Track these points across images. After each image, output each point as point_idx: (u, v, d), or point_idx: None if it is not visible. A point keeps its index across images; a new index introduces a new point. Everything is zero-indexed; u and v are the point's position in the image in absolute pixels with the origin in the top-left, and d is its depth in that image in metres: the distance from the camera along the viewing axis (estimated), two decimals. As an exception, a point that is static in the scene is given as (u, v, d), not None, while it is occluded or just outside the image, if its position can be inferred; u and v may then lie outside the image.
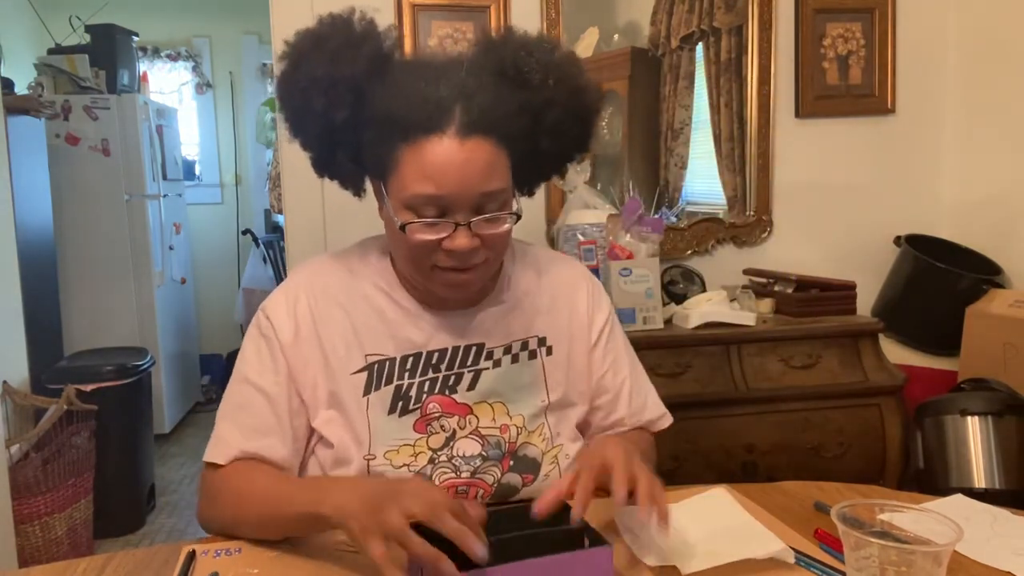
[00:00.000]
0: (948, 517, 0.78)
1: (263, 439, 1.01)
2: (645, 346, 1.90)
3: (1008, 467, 1.77)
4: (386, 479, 0.95)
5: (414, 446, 1.02)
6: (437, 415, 1.03)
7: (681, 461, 1.88)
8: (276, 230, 4.71)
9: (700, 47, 2.31)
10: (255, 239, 4.56)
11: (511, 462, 1.04)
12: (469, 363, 1.05)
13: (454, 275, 0.97)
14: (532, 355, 1.08)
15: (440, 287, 1.00)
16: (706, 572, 0.86)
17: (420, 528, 0.86)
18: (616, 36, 2.29)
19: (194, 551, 0.94)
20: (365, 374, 1.03)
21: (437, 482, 1.00)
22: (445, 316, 1.05)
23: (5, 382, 2.49)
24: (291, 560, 0.93)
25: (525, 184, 1.08)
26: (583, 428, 1.14)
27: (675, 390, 1.89)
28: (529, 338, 1.08)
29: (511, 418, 1.05)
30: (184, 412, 4.27)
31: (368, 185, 1.07)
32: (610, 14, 2.30)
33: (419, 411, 1.02)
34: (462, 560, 0.78)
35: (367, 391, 1.02)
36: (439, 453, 1.02)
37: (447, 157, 0.91)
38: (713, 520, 1.00)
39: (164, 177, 4.00)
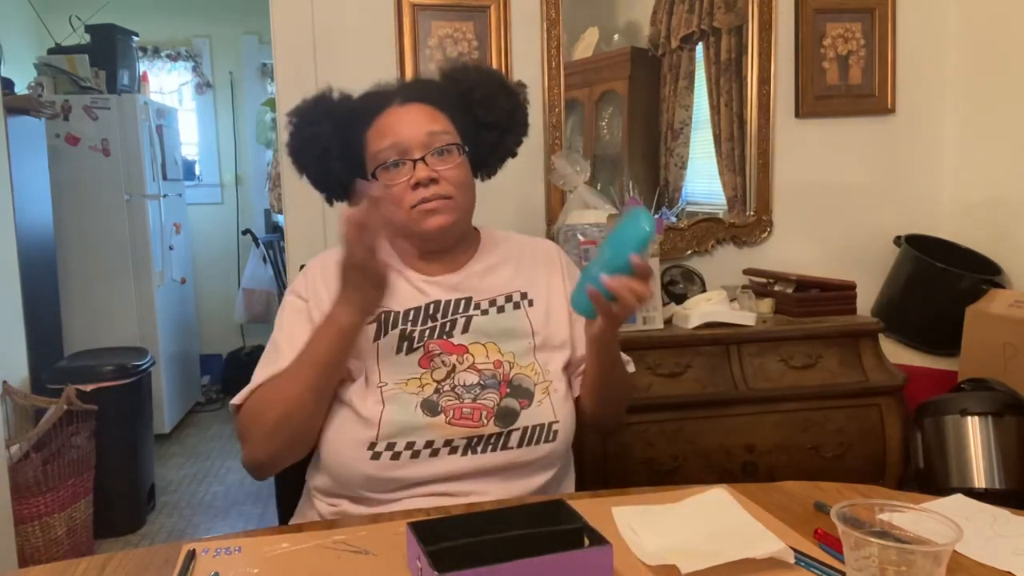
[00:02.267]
0: (948, 517, 0.78)
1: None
2: (645, 346, 1.90)
3: (1008, 467, 1.77)
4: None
5: (420, 379, 1.17)
6: (438, 353, 1.19)
7: (681, 461, 1.88)
8: (276, 230, 4.72)
9: (700, 47, 2.31)
10: (255, 239, 4.56)
11: (508, 389, 1.18)
12: (460, 311, 1.23)
13: (427, 204, 1.18)
14: (516, 306, 1.26)
15: (421, 221, 1.19)
16: (706, 572, 0.86)
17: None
18: (616, 36, 2.30)
19: (194, 551, 0.95)
20: (375, 324, 1.20)
21: (444, 405, 1.14)
22: (436, 277, 1.25)
23: (5, 382, 2.50)
24: (291, 560, 0.93)
25: (482, 159, 1.31)
26: (566, 371, 1.29)
27: (675, 390, 1.89)
28: (512, 292, 1.27)
29: (503, 355, 1.21)
30: (184, 412, 4.27)
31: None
32: (610, 14, 2.31)
33: (422, 349, 1.19)
34: (466, 559, 0.78)
35: (377, 337, 1.19)
36: (443, 384, 1.17)
37: (394, 116, 1.22)
38: (713, 520, 1.00)
39: (164, 177, 4.00)
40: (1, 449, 2.19)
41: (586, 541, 0.86)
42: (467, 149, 1.23)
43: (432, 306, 1.22)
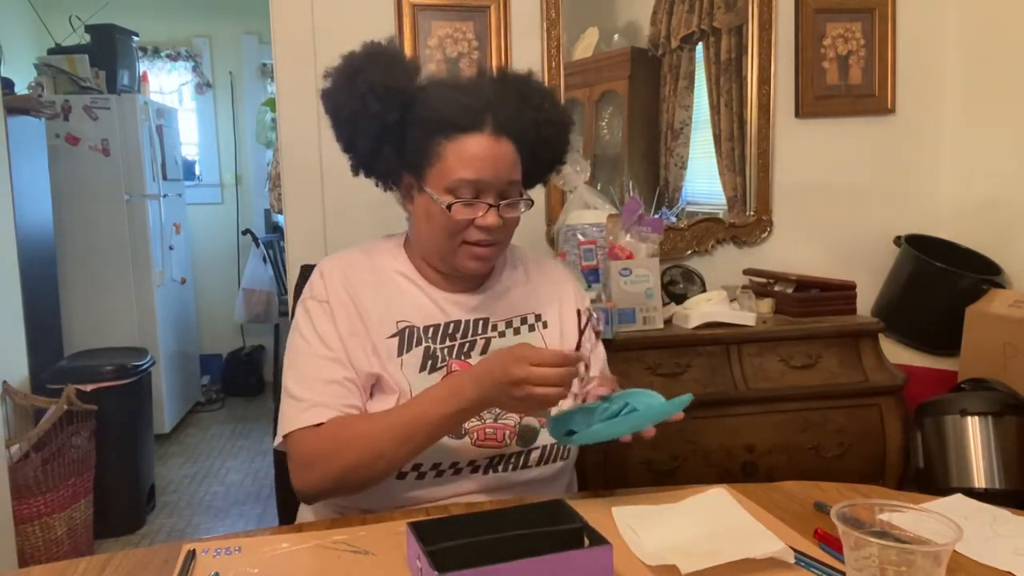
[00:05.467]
0: (948, 517, 0.78)
1: (348, 399, 1.14)
2: (645, 346, 1.90)
3: (1008, 467, 1.77)
4: (474, 366, 1.09)
5: None
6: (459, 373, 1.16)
7: (681, 461, 1.88)
8: (276, 230, 4.72)
9: (700, 47, 2.31)
10: (255, 239, 4.56)
11: None
12: (479, 332, 1.23)
13: (479, 248, 1.18)
14: (531, 328, 1.27)
15: (466, 259, 1.19)
16: (706, 572, 0.86)
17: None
18: (616, 36, 2.29)
19: (194, 551, 0.95)
20: (397, 339, 1.19)
21: (468, 427, 1.14)
22: (457, 296, 1.24)
23: (5, 382, 2.50)
24: (291, 560, 0.93)
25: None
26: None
27: (675, 390, 1.87)
28: (528, 314, 1.28)
29: None
30: (184, 412, 4.27)
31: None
32: (610, 14, 2.31)
33: (445, 369, 1.19)
34: (466, 559, 0.78)
35: (400, 352, 1.18)
36: None
37: (485, 150, 1.15)
38: (713, 520, 1.00)
39: (164, 177, 4.00)
40: (1, 449, 2.19)
41: (586, 541, 0.86)
42: (532, 201, 1.22)
43: (452, 325, 1.22)
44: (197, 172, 4.91)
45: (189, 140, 4.86)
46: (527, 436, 1.18)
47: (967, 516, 1.01)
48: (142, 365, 2.97)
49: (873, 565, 0.75)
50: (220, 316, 4.80)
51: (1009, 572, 0.88)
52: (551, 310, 1.30)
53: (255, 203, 4.99)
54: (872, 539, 0.75)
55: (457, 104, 1.16)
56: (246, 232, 4.73)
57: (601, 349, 1.37)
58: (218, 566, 0.91)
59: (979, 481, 1.77)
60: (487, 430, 1.15)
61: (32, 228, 3.07)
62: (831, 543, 0.92)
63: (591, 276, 1.97)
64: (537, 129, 1.23)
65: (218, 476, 3.50)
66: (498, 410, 1.16)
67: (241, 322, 4.67)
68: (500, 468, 1.16)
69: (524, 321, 1.27)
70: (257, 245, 4.54)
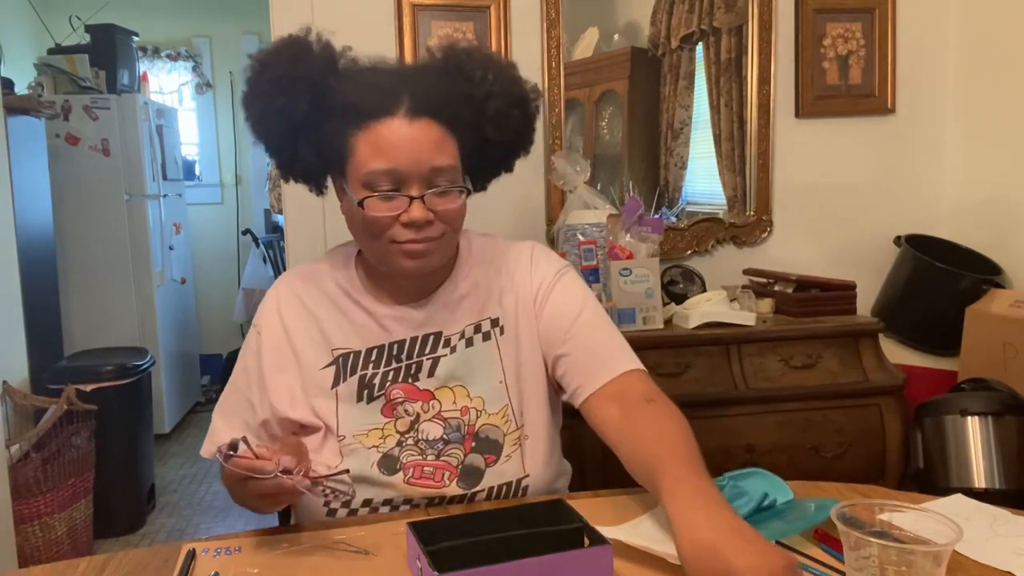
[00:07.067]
0: (948, 517, 0.78)
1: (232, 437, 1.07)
2: (645, 346, 1.89)
3: (1008, 467, 1.77)
4: None
5: (382, 429, 1.09)
6: (401, 400, 1.10)
7: (681, 461, 1.88)
8: (276, 230, 4.72)
9: (700, 47, 2.31)
10: (255, 239, 4.56)
11: (472, 443, 1.09)
12: (427, 351, 1.12)
13: (412, 245, 1.03)
14: (486, 336, 1.14)
15: (401, 258, 1.05)
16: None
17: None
18: (616, 36, 2.29)
19: (194, 551, 0.95)
20: (333, 368, 1.11)
21: (404, 462, 1.07)
22: (403, 310, 1.12)
23: (5, 382, 2.50)
24: (291, 560, 0.93)
25: (478, 175, 1.15)
26: (558, 382, 1.15)
27: (675, 390, 1.87)
28: (482, 320, 1.14)
29: (471, 400, 1.11)
30: (184, 412, 4.27)
31: (329, 183, 1.14)
32: (610, 14, 2.31)
33: (383, 397, 1.10)
34: (466, 559, 0.78)
35: (335, 383, 1.10)
36: (406, 436, 1.09)
37: (398, 134, 1.01)
38: None
39: (164, 177, 4.00)
40: (1, 449, 2.19)
41: (586, 541, 0.86)
42: (470, 189, 1.09)
43: (396, 346, 1.11)
44: (197, 172, 4.91)
45: (189, 140, 4.86)
46: (470, 476, 1.08)
47: (967, 516, 1.01)
48: (142, 365, 2.97)
49: (873, 565, 0.75)
50: (220, 316, 4.80)
51: (1009, 572, 0.88)
52: (507, 309, 1.15)
53: (255, 203, 4.99)
54: (872, 539, 0.75)
55: (366, 89, 1.03)
56: (246, 232, 4.73)
57: (568, 309, 1.15)
58: (218, 566, 0.91)
59: (979, 481, 1.77)
60: (425, 468, 1.06)
61: (32, 228, 3.07)
62: (831, 543, 0.92)
63: (591, 276, 1.97)
64: (480, 105, 1.07)
65: (218, 476, 3.48)
66: (441, 445, 1.08)
67: (241, 322, 4.67)
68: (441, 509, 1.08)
69: (478, 330, 1.14)
70: (257, 245, 4.54)
